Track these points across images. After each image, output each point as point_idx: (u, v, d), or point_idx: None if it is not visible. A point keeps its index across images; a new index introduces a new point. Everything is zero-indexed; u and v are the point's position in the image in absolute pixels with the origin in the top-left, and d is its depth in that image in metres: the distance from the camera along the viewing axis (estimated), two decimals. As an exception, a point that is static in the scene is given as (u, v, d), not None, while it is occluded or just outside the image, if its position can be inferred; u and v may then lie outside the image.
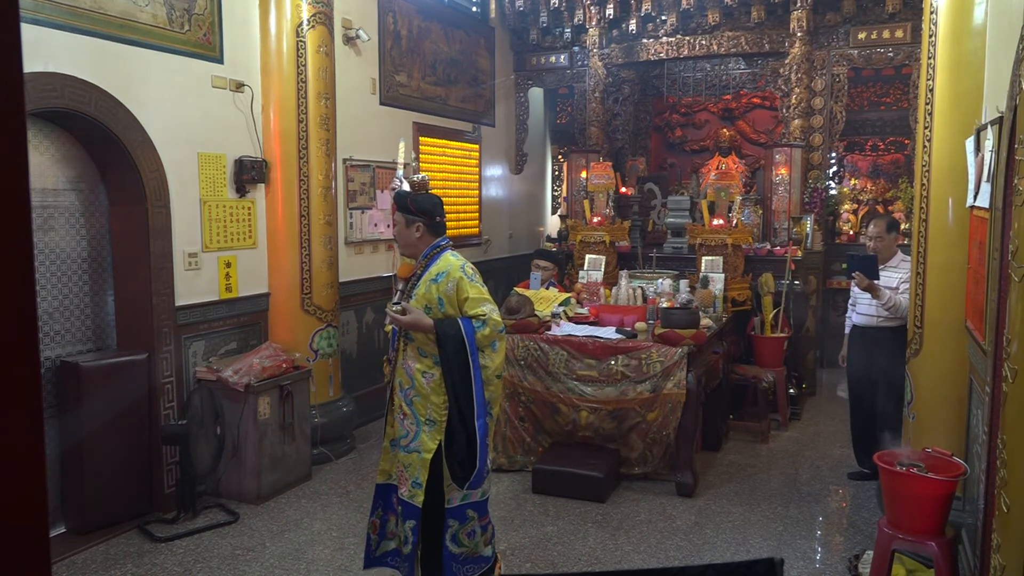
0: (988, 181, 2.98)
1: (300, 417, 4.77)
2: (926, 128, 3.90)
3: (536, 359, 4.88)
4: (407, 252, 3.20)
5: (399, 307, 3.04)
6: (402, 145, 3.50)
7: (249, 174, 4.85)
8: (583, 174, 7.34)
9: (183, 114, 4.47)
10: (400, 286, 3.18)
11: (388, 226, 6.09)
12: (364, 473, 4.97)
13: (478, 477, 3.01)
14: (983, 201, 3.16)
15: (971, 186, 3.34)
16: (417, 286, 3.11)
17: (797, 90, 7.01)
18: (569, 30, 8.17)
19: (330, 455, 5.18)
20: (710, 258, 5.95)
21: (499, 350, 3.07)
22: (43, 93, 3.68)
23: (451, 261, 3.09)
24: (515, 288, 5.95)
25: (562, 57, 8.37)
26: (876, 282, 4.63)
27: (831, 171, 7.87)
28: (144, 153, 4.23)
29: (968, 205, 3.45)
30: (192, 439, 4.28)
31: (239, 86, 4.83)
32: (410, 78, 6.67)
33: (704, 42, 7.41)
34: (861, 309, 4.80)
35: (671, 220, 6.91)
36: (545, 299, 5.51)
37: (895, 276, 4.65)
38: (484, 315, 3.01)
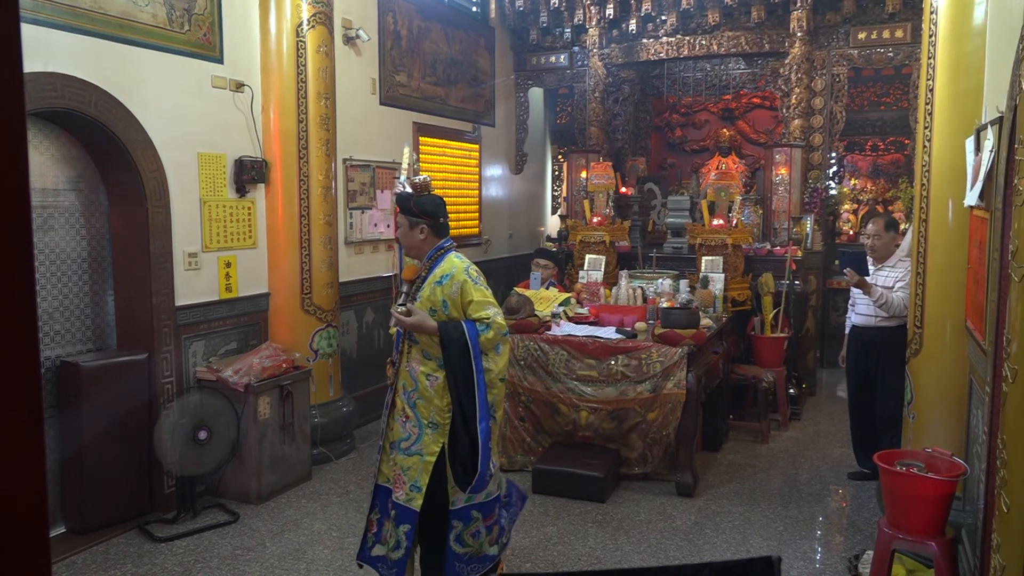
0: (982, 181, 2.98)
1: (300, 417, 4.77)
2: (926, 128, 3.90)
3: (536, 359, 4.88)
4: (411, 254, 3.19)
5: (404, 308, 3.04)
6: (407, 151, 3.50)
7: (249, 174, 4.85)
8: (583, 174, 7.34)
9: (183, 114, 4.47)
10: (405, 288, 3.17)
11: (388, 226, 6.10)
12: (364, 473, 4.97)
13: (480, 481, 2.99)
14: (972, 200, 3.17)
15: (968, 185, 3.34)
16: (422, 288, 3.10)
17: (797, 90, 7.01)
18: (569, 30, 8.17)
19: (330, 455, 5.18)
20: (710, 258, 5.95)
21: (502, 353, 3.06)
22: (43, 93, 3.68)
23: (455, 263, 3.08)
24: (515, 288, 5.95)
25: (562, 57, 8.37)
26: (866, 279, 4.64)
27: (831, 171, 7.87)
28: (144, 153, 4.23)
29: (966, 204, 3.46)
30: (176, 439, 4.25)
31: (239, 86, 4.83)
32: (410, 78, 6.67)
33: (704, 42, 7.41)
34: (860, 309, 4.80)
35: (671, 220, 6.91)
36: (545, 299, 5.51)
37: (892, 276, 4.65)
38: (488, 318, 3.00)
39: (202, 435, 4.27)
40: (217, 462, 4.37)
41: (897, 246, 4.79)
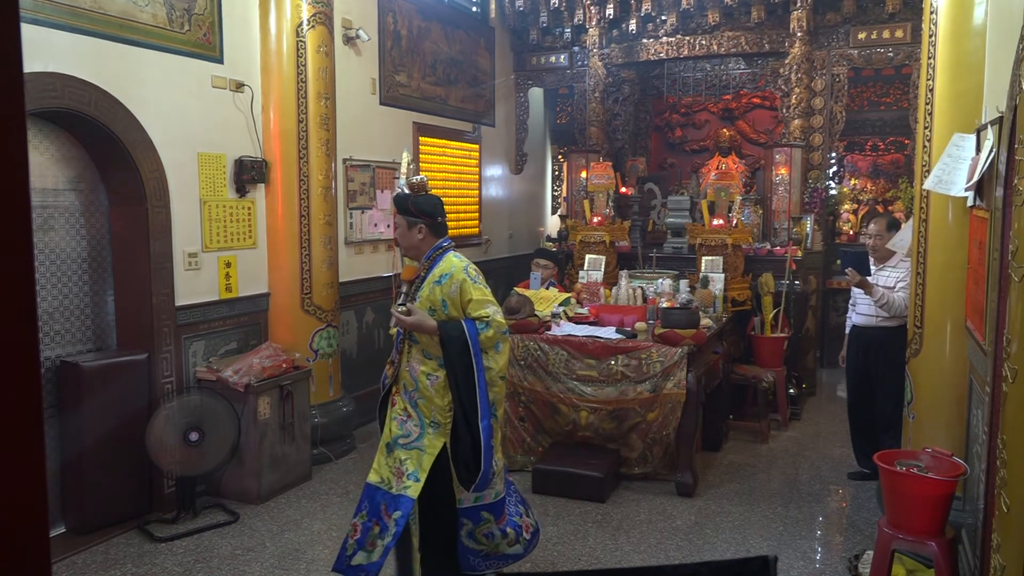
0: (977, 178, 2.99)
1: (300, 417, 4.77)
2: (926, 128, 3.90)
3: (536, 359, 4.88)
4: (410, 254, 3.19)
5: (404, 308, 3.04)
6: (405, 156, 3.50)
7: (249, 174, 4.85)
8: (583, 174, 7.34)
9: (183, 114, 4.47)
10: (404, 288, 3.17)
11: (388, 226, 6.10)
12: (364, 473, 4.95)
13: (483, 480, 2.99)
14: (930, 185, 3.21)
15: (951, 178, 3.38)
16: (421, 288, 3.10)
17: (797, 90, 7.01)
18: (569, 30, 8.17)
19: (330, 455, 5.18)
20: (710, 258, 5.95)
21: (503, 351, 3.06)
22: (43, 93, 3.68)
23: (454, 263, 3.08)
24: (515, 288, 5.95)
25: (562, 57, 8.37)
26: (868, 278, 4.65)
27: (831, 171, 7.87)
28: (144, 153, 4.23)
29: (924, 188, 3.53)
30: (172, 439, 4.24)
31: (239, 86, 4.83)
32: (410, 78, 6.67)
33: (704, 42, 7.41)
34: (861, 309, 4.80)
35: (671, 220, 6.91)
36: (545, 299, 5.51)
37: (894, 276, 4.65)
38: (487, 317, 3.01)
39: (193, 436, 4.23)
40: (213, 463, 4.34)
41: (897, 246, 4.79)
